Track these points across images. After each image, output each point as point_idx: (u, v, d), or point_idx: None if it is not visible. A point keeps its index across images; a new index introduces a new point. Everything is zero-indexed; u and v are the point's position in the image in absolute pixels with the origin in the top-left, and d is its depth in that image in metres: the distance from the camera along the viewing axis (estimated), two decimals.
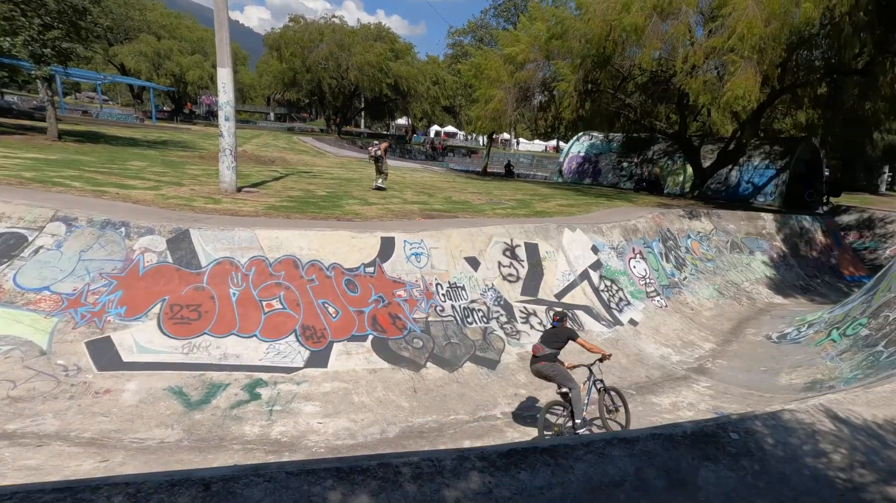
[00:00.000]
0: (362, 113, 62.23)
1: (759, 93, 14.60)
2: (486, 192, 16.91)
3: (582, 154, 28.60)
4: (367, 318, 7.15)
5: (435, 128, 72.85)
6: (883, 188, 40.53)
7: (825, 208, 23.22)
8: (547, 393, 7.02)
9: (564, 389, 5.75)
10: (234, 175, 11.03)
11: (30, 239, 6.64)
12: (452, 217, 11.00)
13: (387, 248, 8.00)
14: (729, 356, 9.91)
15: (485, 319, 8.06)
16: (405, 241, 8.23)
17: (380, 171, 13.95)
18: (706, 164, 21.48)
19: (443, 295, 7.94)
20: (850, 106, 18.89)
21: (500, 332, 8.01)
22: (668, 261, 12.54)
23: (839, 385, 8.01)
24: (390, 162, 18.73)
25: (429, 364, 7.12)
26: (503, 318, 8.26)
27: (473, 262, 8.74)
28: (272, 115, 71.53)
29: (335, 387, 6.41)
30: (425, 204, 12.52)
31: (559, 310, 7.17)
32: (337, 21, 43.94)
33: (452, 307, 7.89)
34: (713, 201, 20.35)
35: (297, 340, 6.63)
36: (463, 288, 8.26)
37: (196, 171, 13.89)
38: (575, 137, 29.52)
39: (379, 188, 13.82)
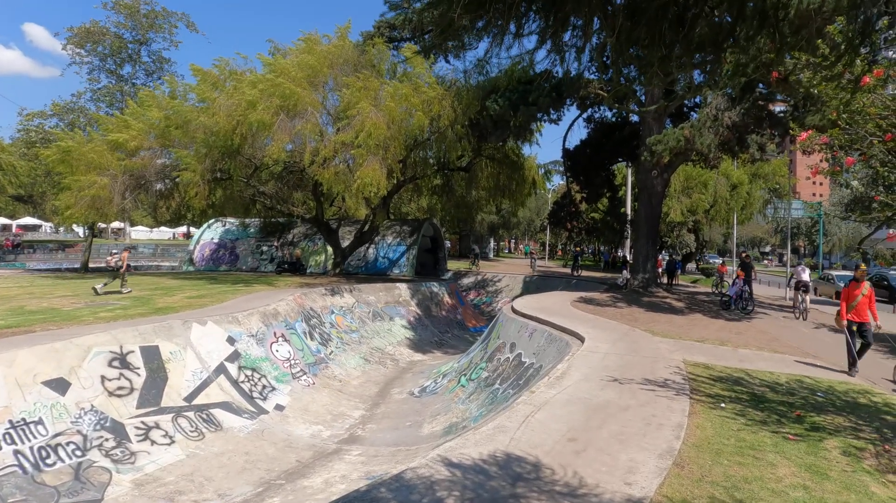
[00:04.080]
0: None
1: (386, 182, 18.02)
2: (86, 294, 14.65)
3: (216, 240, 28.44)
4: None
5: (3, 220, 58.91)
6: (491, 255, 56.16)
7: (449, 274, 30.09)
8: None
9: None
10: None
11: None
12: (25, 333, 9.07)
13: None
14: (378, 418, 11.34)
15: (79, 452, 6.81)
16: None
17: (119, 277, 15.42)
18: (345, 243, 24.76)
19: None
20: (459, 194, 26.18)
21: (105, 462, 6.90)
22: (312, 338, 13.63)
23: (471, 423, 10.09)
24: None
25: None
26: (110, 443, 7.18)
27: (59, 385, 7.40)
28: None
29: None
30: None
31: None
32: None
33: (16, 453, 6.36)
34: (355, 276, 23.47)
35: None
36: (39, 422, 6.81)
37: None
38: (206, 224, 29.23)
39: (98, 293, 14.58)
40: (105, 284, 14.99)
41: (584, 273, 33.93)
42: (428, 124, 19.10)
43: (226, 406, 9.24)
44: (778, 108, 18.51)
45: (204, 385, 9.37)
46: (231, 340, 10.88)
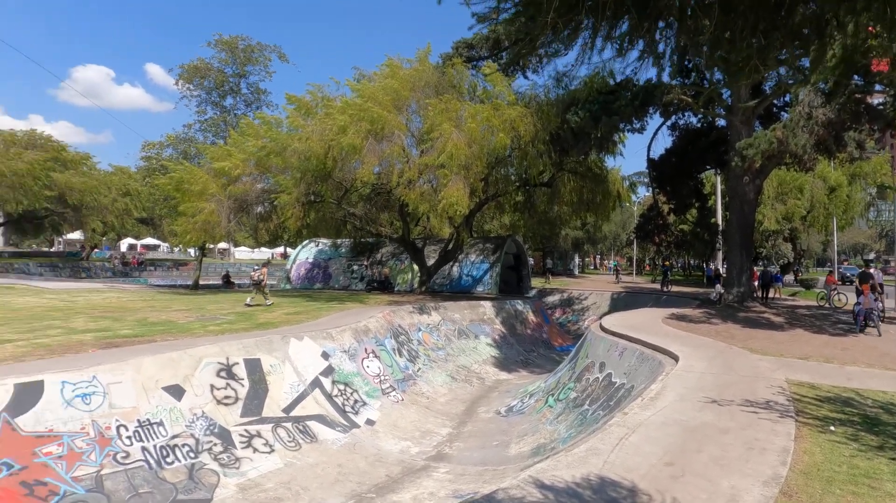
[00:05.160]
0: (1, 228, 52.29)
1: (468, 201, 18.33)
2: (198, 308, 16.00)
3: (311, 260, 30.09)
4: None
5: (128, 240, 66.03)
6: (576, 271, 54.84)
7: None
8: None
9: None
10: None
11: None
12: (149, 342, 10.08)
13: (28, 395, 6.68)
14: (465, 437, 11.33)
15: (192, 454, 7.40)
16: (64, 381, 7.05)
17: (260, 291, 17.43)
18: (430, 261, 25.25)
19: (127, 437, 7.03)
20: (541, 210, 25.84)
21: (214, 465, 7.45)
22: (401, 355, 13.95)
23: (559, 445, 9.84)
24: (54, 285, 20.51)
25: None
26: (218, 448, 7.75)
27: (176, 391, 8.12)
28: None
29: None
30: (106, 331, 11.11)
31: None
32: None
33: (143, 449, 7.05)
34: (440, 294, 23.80)
35: None
36: (160, 423, 7.50)
37: None
38: (302, 245, 31.04)
39: (249, 306, 16.52)
40: (251, 298, 17.08)
41: (675, 288, 32.15)
42: (509, 142, 19.13)
43: (320, 419, 9.66)
44: (876, 100, 16.74)
45: (301, 398, 9.87)
46: (325, 355, 11.39)
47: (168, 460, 7.15)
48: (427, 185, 19.47)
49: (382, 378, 12.30)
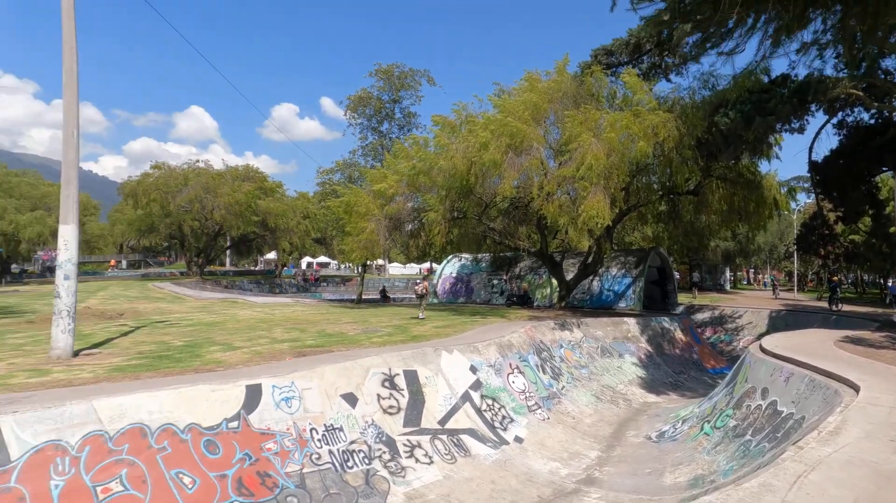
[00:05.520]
0: (227, 251, 61.53)
1: (609, 212, 17.47)
2: (362, 321, 17.24)
3: (454, 275, 30.92)
4: (231, 483, 6.65)
5: (307, 259, 73.84)
6: (727, 286, 49.16)
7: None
8: None
9: None
10: (71, 338, 10.09)
11: None
12: (327, 352, 11.01)
13: (253, 396, 7.74)
14: (614, 462, 10.65)
15: (366, 460, 7.91)
16: (273, 385, 8.05)
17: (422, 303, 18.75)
18: (569, 276, 24.44)
19: (318, 440, 7.75)
20: (687, 220, 23.68)
21: (385, 472, 7.88)
22: (544, 372, 13.61)
23: (719, 478, 8.78)
24: (259, 299, 21.77)
25: None
26: (386, 456, 8.19)
27: (351, 399, 8.75)
28: (124, 262, 67.02)
29: None
30: (296, 341, 12.44)
31: None
32: (202, 165, 45.81)
33: (330, 452, 7.69)
34: (579, 310, 22.87)
35: None
36: (341, 429, 8.15)
37: (20, 340, 12.39)
38: (446, 260, 32.07)
39: (421, 319, 17.61)
40: (423, 312, 18.15)
41: (845, 307, 27.10)
42: (651, 149, 17.87)
43: (472, 433, 9.76)
44: None
45: (453, 410, 10.06)
46: (473, 369, 11.51)
47: (349, 464, 7.71)
48: (565, 197, 18.94)
49: (528, 395, 12.10)
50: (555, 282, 25.14)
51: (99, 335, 13.37)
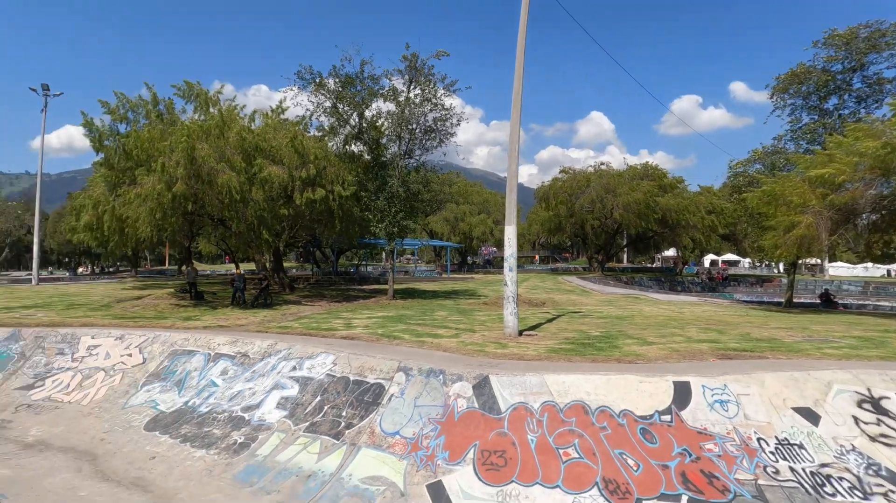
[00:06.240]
0: (625, 248, 63.14)
1: None
2: (800, 327, 14.21)
3: None
4: (675, 474, 6.44)
5: (710, 257, 67.58)
6: None
7: None
8: None
9: None
10: (516, 320, 12.26)
11: (386, 388, 8.49)
12: (758, 357, 9.56)
13: (682, 393, 7.37)
14: None
15: (858, 493, 6.22)
16: (703, 385, 7.45)
17: None
18: None
19: (771, 453, 6.64)
20: None
21: None
22: None
23: None
24: (661, 296, 19.78)
25: None
26: (894, 496, 6.24)
27: (808, 414, 7.17)
28: (537, 257, 78.65)
29: None
30: (716, 342, 11.28)
31: None
32: (604, 167, 48.77)
33: (791, 470, 6.45)
34: None
35: (601, 494, 6.31)
36: (800, 446, 6.75)
37: (483, 317, 16.00)
38: None
39: None
40: None
41: None
42: None
43: None
44: None
45: None
46: None
47: (825, 489, 6.29)
48: None
49: None
50: None
51: (531, 319, 15.76)
